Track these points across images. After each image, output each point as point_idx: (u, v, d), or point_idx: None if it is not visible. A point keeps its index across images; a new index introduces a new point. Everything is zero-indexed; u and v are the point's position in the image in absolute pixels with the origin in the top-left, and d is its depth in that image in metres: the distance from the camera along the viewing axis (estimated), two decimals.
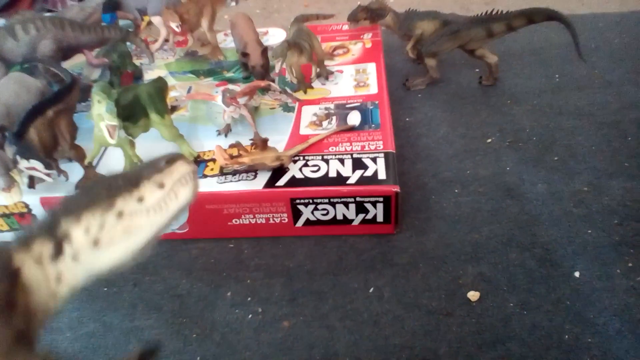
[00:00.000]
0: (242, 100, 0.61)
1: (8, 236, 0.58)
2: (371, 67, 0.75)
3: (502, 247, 0.52)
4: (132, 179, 0.24)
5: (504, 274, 0.50)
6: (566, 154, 0.63)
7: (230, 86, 0.64)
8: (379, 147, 0.57)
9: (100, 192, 0.24)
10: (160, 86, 0.58)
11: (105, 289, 0.53)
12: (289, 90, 0.70)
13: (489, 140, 0.66)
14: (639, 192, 0.57)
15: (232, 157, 0.54)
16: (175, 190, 0.24)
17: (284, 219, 0.54)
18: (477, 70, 0.78)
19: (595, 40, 0.83)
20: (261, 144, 0.55)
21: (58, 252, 0.23)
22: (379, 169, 0.54)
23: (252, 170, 0.55)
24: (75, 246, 0.23)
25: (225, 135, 0.63)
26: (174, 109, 0.68)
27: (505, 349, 0.43)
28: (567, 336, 0.44)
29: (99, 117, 0.52)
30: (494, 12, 0.72)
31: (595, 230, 0.53)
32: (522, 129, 0.68)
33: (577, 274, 0.49)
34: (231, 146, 0.57)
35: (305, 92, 0.71)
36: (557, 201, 0.57)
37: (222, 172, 0.56)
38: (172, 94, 0.72)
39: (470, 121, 0.70)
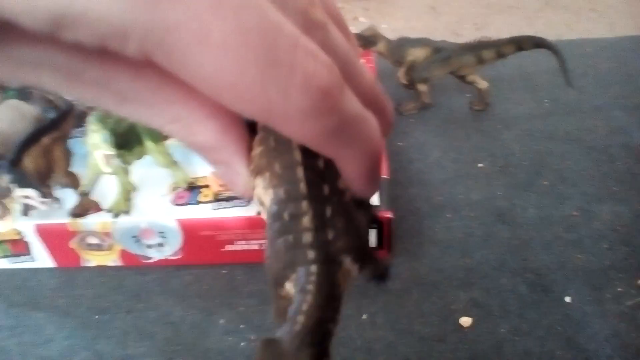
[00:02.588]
0: None
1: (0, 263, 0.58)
2: None
3: (494, 272, 0.53)
4: None
5: (496, 300, 0.50)
6: (556, 178, 0.64)
7: None
8: None
9: None
10: None
11: (97, 317, 0.53)
12: None
13: (481, 165, 0.67)
14: (627, 216, 0.57)
15: None
16: None
17: None
18: (468, 95, 0.79)
19: (584, 65, 0.85)
20: None
21: None
22: None
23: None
24: None
25: None
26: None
27: None
28: None
29: (95, 146, 0.52)
30: (484, 40, 0.73)
31: (585, 255, 0.53)
32: (512, 153, 0.68)
33: (568, 299, 0.49)
34: None
35: None
36: (548, 226, 0.57)
37: (217, 199, 0.56)
38: None
39: (461, 146, 0.71)
